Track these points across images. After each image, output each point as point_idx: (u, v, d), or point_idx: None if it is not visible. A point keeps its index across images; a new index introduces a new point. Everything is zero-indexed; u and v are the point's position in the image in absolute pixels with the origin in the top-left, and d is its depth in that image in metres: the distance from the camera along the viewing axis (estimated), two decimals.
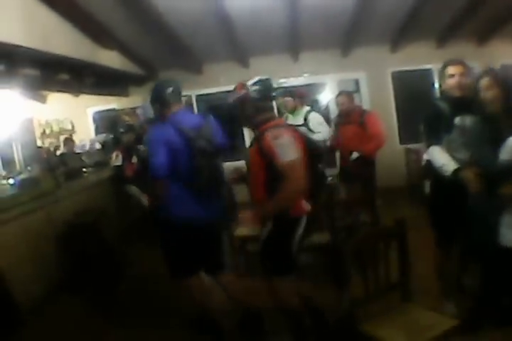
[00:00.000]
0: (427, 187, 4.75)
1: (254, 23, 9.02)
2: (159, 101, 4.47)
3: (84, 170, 9.42)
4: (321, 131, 7.73)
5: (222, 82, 10.71)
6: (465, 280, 4.78)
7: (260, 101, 4.06)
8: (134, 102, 10.50)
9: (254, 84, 4.08)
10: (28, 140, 11.51)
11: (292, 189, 3.82)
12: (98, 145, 11.14)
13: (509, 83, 3.90)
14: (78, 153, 10.80)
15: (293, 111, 8.13)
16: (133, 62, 10.64)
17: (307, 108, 8.10)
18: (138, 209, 7.96)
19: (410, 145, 10.26)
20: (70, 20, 7.83)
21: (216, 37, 9.69)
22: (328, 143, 8.08)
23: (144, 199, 7.65)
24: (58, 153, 11.11)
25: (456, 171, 4.00)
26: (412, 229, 3.88)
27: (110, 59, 9.48)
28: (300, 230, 4.06)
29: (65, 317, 5.73)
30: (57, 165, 9.43)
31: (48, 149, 11.52)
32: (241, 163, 4.35)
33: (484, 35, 10.70)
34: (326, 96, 11.71)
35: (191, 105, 11.70)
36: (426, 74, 11.15)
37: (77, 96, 11.08)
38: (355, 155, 7.42)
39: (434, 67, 10.09)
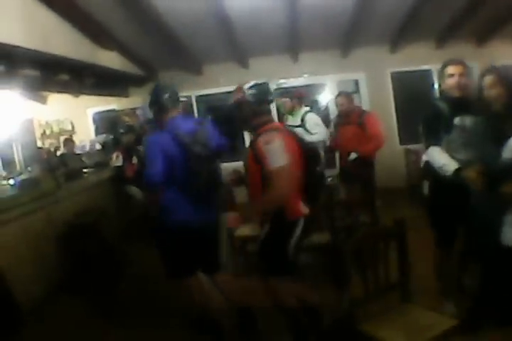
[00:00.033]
0: (426, 187, 4.72)
1: (254, 23, 9.03)
2: (157, 106, 4.50)
3: (84, 170, 9.42)
4: (317, 131, 7.76)
5: (221, 82, 10.73)
6: (465, 280, 4.77)
7: (256, 104, 4.08)
8: (134, 103, 10.51)
9: (251, 88, 4.11)
10: (29, 140, 11.53)
11: (276, 195, 3.87)
12: (98, 146, 11.15)
13: None
14: (78, 154, 10.80)
15: (291, 111, 8.17)
16: (133, 62, 10.66)
17: (305, 109, 8.12)
18: (138, 210, 7.97)
19: (410, 146, 10.25)
20: (69, 21, 7.86)
21: (216, 37, 9.70)
22: (325, 144, 8.11)
23: (144, 200, 7.66)
24: (58, 153, 11.12)
25: (457, 171, 3.97)
26: (412, 229, 3.89)
27: (110, 59, 9.49)
28: (297, 233, 4.07)
29: (65, 318, 5.73)
30: (57, 165, 9.44)
31: (48, 150, 11.54)
32: (240, 164, 4.37)
33: (483, 35, 10.70)
34: (326, 97, 11.72)
35: (191, 105, 11.72)
36: (425, 74, 11.15)
37: (77, 96, 11.08)
38: (353, 155, 7.43)
39: (434, 67, 10.07)
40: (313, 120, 7.95)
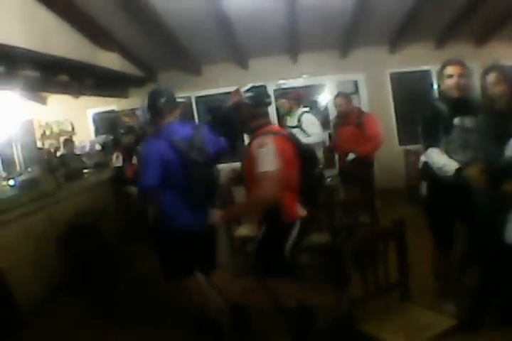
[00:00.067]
0: (424, 188, 4.70)
1: (253, 24, 9.04)
2: (153, 111, 4.50)
3: (84, 171, 9.43)
4: (313, 132, 7.77)
5: (221, 83, 10.75)
6: (465, 281, 4.76)
7: (253, 107, 4.11)
8: (134, 104, 10.50)
9: (248, 90, 4.15)
10: (29, 141, 11.53)
11: (259, 199, 3.93)
12: (98, 147, 11.16)
13: None
14: (78, 155, 10.82)
15: (289, 112, 8.21)
16: (132, 63, 10.66)
17: (302, 109, 8.13)
18: (137, 210, 7.98)
19: (409, 147, 10.25)
20: (69, 22, 7.87)
21: (215, 38, 9.71)
22: (324, 145, 8.14)
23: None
24: (58, 154, 11.13)
25: (458, 170, 3.95)
26: (411, 229, 3.91)
27: (110, 60, 9.50)
28: (293, 234, 4.09)
29: (65, 318, 5.75)
30: (57, 166, 9.46)
31: (48, 150, 11.55)
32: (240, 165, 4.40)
33: (483, 36, 10.70)
34: (325, 98, 11.73)
35: (190, 106, 11.74)
36: (424, 75, 11.14)
37: (77, 97, 11.12)
38: (351, 156, 7.47)
39: (433, 68, 10.09)
40: (309, 120, 7.97)
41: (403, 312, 3.67)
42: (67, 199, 7.34)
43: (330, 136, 8.84)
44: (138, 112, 9.01)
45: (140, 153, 5.30)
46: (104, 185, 9.03)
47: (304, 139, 6.65)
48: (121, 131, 9.21)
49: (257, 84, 4.26)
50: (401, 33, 10.19)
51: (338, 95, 7.99)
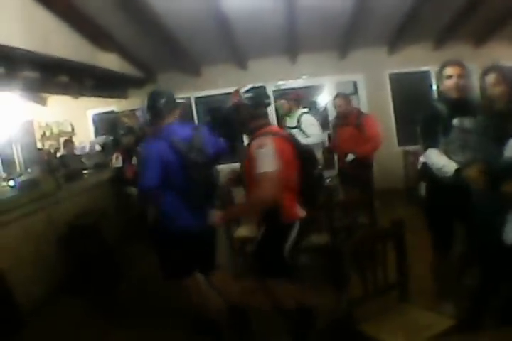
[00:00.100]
0: (422, 189, 4.70)
1: (253, 25, 9.05)
2: (153, 112, 4.51)
3: (84, 171, 9.43)
4: (312, 133, 7.78)
5: (220, 84, 10.77)
6: (465, 281, 4.76)
7: (253, 108, 4.12)
8: (134, 104, 10.49)
9: (247, 91, 4.16)
10: (29, 142, 11.55)
11: (258, 200, 3.95)
12: (98, 147, 11.17)
13: None
14: (78, 155, 10.83)
15: (288, 113, 8.23)
16: (132, 64, 10.67)
17: (301, 110, 8.15)
18: (138, 210, 7.99)
19: (408, 147, 10.24)
20: (69, 23, 7.87)
21: (214, 39, 9.72)
22: (324, 145, 8.16)
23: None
24: (58, 154, 11.15)
25: (457, 171, 3.94)
26: (410, 230, 3.92)
27: (109, 61, 9.51)
28: (292, 235, 4.09)
29: (65, 318, 5.76)
30: (57, 166, 9.47)
31: (48, 151, 11.57)
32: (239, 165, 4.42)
33: (482, 36, 10.70)
34: (325, 99, 11.74)
35: (190, 107, 11.76)
36: (423, 76, 11.17)
37: (76, 98, 11.12)
38: (350, 156, 7.49)
39: (432, 68, 10.11)
40: (308, 121, 7.99)
41: (402, 312, 3.68)
42: (67, 200, 7.35)
43: (329, 137, 8.85)
44: (138, 113, 9.01)
45: (139, 153, 5.30)
46: (104, 185, 9.05)
47: (303, 140, 6.68)
48: (121, 131, 9.23)
49: (256, 85, 4.27)
50: (400, 34, 10.20)
51: (337, 96, 8.00)
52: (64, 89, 8.89)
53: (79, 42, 8.39)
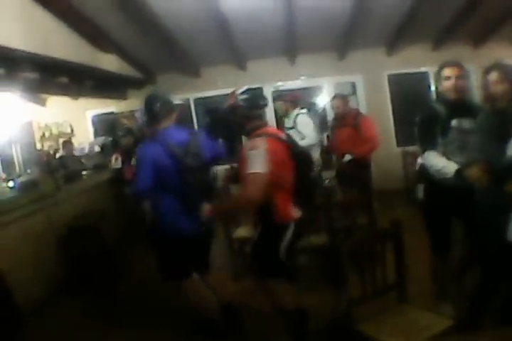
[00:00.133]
0: (420, 191, 4.66)
1: (252, 26, 9.07)
2: (149, 115, 4.53)
3: (83, 172, 9.44)
4: (307, 133, 7.80)
5: (219, 85, 10.77)
6: (464, 283, 4.74)
7: (248, 109, 4.13)
8: (133, 105, 10.52)
9: (243, 93, 4.18)
10: (28, 143, 11.55)
11: (244, 199, 4.01)
12: (97, 148, 11.17)
13: None
14: (77, 156, 10.83)
15: (285, 114, 8.24)
16: (131, 65, 10.68)
17: (297, 111, 8.15)
18: (137, 211, 8.00)
19: (407, 148, 10.23)
20: (69, 24, 7.89)
21: (213, 40, 9.74)
22: (319, 147, 8.18)
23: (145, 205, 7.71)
24: (58, 155, 11.15)
25: (458, 171, 3.92)
26: (409, 231, 3.93)
27: (109, 62, 9.52)
28: (287, 236, 4.10)
29: (65, 319, 5.77)
30: (56, 168, 9.47)
31: (48, 152, 11.56)
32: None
33: (480, 37, 10.73)
34: (323, 99, 11.75)
35: (189, 108, 11.77)
36: (422, 77, 11.21)
37: (76, 99, 11.12)
38: (347, 157, 7.51)
39: (430, 69, 10.14)
40: (303, 122, 8.00)
41: (401, 312, 3.68)
42: (66, 201, 7.35)
43: (328, 138, 8.87)
44: (137, 114, 9.05)
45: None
46: (104, 186, 9.05)
47: (298, 141, 6.69)
48: (120, 133, 9.24)
49: (253, 86, 4.30)
50: (399, 35, 10.22)
51: (335, 97, 8.04)
52: (63, 90, 8.90)
53: (78, 43, 8.41)
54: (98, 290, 6.38)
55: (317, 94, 12.03)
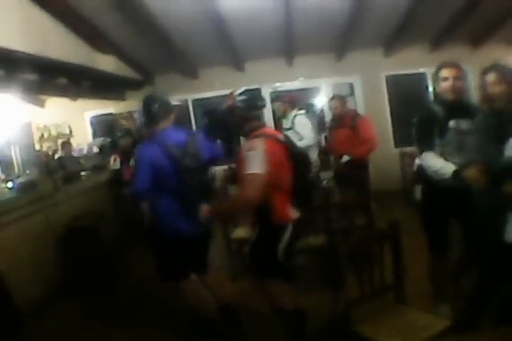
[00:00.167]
0: (418, 192, 4.64)
1: (250, 27, 9.08)
2: (147, 116, 4.55)
3: (82, 173, 9.44)
4: (305, 134, 7.83)
5: (217, 86, 10.78)
6: (462, 284, 4.75)
7: (246, 110, 4.15)
8: (131, 106, 10.54)
9: (241, 94, 4.20)
10: (27, 144, 11.55)
11: (242, 200, 4.04)
12: (96, 149, 11.18)
13: None
14: (76, 157, 10.84)
15: (284, 115, 8.27)
16: (129, 66, 10.69)
17: (295, 112, 8.18)
18: (136, 212, 8.00)
19: (405, 149, 10.25)
20: (67, 26, 7.92)
21: (211, 41, 9.75)
22: (317, 147, 8.20)
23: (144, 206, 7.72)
24: (56, 156, 11.15)
25: (456, 172, 3.91)
26: (406, 232, 3.93)
27: (107, 64, 9.53)
28: (285, 237, 4.12)
29: (63, 320, 5.78)
30: (55, 168, 9.48)
31: (46, 153, 11.57)
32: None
33: (478, 38, 10.75)
34: (321, 100, 11.77)
35: (187, 109, 11.79)
36: (420, 77, 11.22)
37: (75, 100, 11.13)
38: (345, 158, 7.54)
39: (428, 70, 10.14)
40: (301, 123, 8.03)
41: (399, 313, 3.70)
42: (65, 202, 7.36)
43: (326, 139, 8.89)
44: (135, 115, 9.05)
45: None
46: (102, 187, 9.05)
47: (296, 141, 6.71)
48: (119, 134, 9.25)
49: (251, 87, 4.32)
50: (396, 36, 10.23)
51: (333, 98, 8.07)
52: (62, 91, 8.92)
53: (77, 44, 8.44)
54: (96, 291, 6.39)
55: (315, 95, 12.05)
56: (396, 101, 11.59)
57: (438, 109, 4.25)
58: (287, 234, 4.11)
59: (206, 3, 7.93)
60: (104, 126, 12.09)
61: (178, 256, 4.48)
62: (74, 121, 12.36)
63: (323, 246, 5.60)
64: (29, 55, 6.52)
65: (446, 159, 4.12)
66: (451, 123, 4.14)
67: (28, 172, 9.21)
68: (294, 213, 4.16)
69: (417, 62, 10.94)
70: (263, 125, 4.30)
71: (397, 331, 3.42)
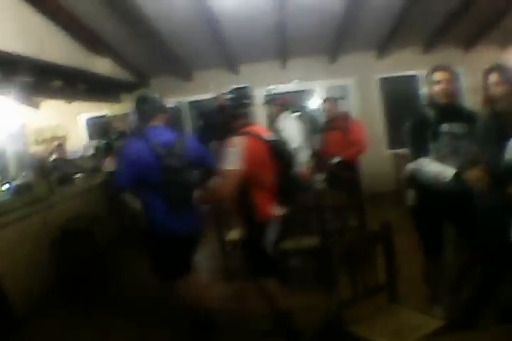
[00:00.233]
0: (410, 196, 4.57)
1: (244, 30, 9.13)
2: (138, 115, 4.61)
3: (77, 175, 9.45)
4: (292, 137, 7.86)
5: (212, 88, 10.81)
6: (462, 285, 4.76)
7: (234, 108, 4.24)
8: (126, 109, 10.56)
9: (230, 92, 4.27)
10: (22, 146, 11.54)
11: (218, 194, 4.19)
12: (90, 151, 11.18)
13: None
14: (71, 159, 10.82)
15: (275, 117, 8.31)
16: (124, 69, 10.73)
17: (286, 114, 8.21)
18: (130, 214, 8.01)
19: (398, 151, 10.30)
20: (63, 29, 7.94)
21: (206, 44, 9.78)
22: (310, 149, 8.24)
23: (137, 205, 7.72)
24: (51, 159, 11.14)
25: (457, 174, 3.84)
26: (400, 231, 3.98)
27: (103, 66, 9.57)
28: (270, 234, 4.23)
29: (58, 321, 5.79)
30: (50, 170, 9.47)
31: (41, 155, 11.55)
32: None
33: (471, 40, 10.82)
34: (315, 103, 11.80)
35: (181, 111, 11.82)
36: (413, 80, 11.30)
37: (69, 102, 11.13)
38: (336, 159, 7.58)
39: (421, 72, 10.19)
40: (290, 125, 8.06)
41: (392, 313, 3.72)
42: (60, 204, 7.37)
43: (319, 141, 8.94)
44: (130, 117, 9.09)
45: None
46: (97, 189, 9.06)
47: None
48: (113, 136, 9.27)
49: (239, 85, 4.36)
50: (389, 38, 10.29)
51: (325, 100, 8.14)
52: (57, 94, 8.92)
53: (72, 47, 8.45)
54: (91, 293, 6.39)
55: (309, 98, 12.09)
56: (389, 103, 11.66)
57: (430, 113, 4.23)
58: (271, 231, 4.20)
59: (201, 6, 7.96)
60: (99, 128, 12.08)
61: (172, 255, 4.51)
62: (69, 123, 12.34)
63: (317, 247, 5.63)
64: (25, 57, 6.54)
65: (441, 163, 4.09)
66: (444, 127, 4.12)
67: (23, 174, 9.20)
68: (276, 210, 4.23)
69: (410, 65, 11.00)
70: (250, 123, 4.35)
71: (391, 330, 3.44)
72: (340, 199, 6.43)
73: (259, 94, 10.06)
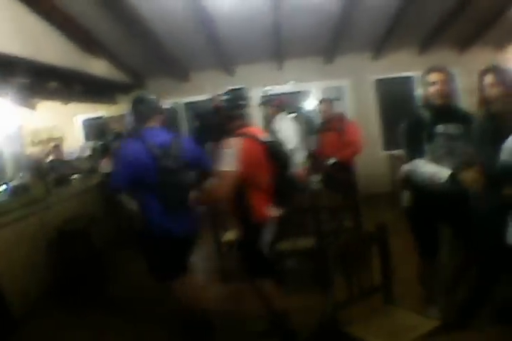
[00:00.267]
0: (405, 197, 4.57)
1: (240, 31, 9.14)
2: (135, 116, 4.61)
3: (73, 176, 9.44)
4: (288, 138, 7.87)
5: (208, 89, 10.81)
6: (458, 287, 4.76)
7: (230, 109, 4.25)
8: (122, 110, 10.56)
9: (225, 93, 4.28)
10: (18, 147, 11.53)
11: (213, 195, 4.22)
12: (87, 153, 11.17)
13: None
14: (67, 160, 10.82)
15: (271, 118, 8.32)
16: (121, 70, 10.73)
17: (282, 115, 8.23)
18: (127, 215, 8.01)
19: (393, 152, 10.30)
20: (60, 30, 7.94)
21: (202, 45, 9.78)
22: (306, 150, 8.26)
23: (133, 206, 7.72)
24: (48, 160, 11.14)
25: (452, 175, 3.83)
26: (395, 232, 3.99)
27: (99, 67, 9.57)
28: (266, 235, 4.24)
29: (56, 322, 5.80)
30: (46, 172, 9.47)
31: (38, 156, 11.55)
32: None
33: (466, 41, 10.84)
34: (311, 104, 11.82)
35: (177, 112, 11.83)
36: (408, 81, 11.32)
37: (66, 104, 11.13)
38: (331, 160, 7.60)
39: (417, 74, 10.21)
40: (286, 126, 8.08)
41: (387, 314, 3.73)
42: (56, 205, 7.37)
43: (315, 142, 8.95)
44: (126, 118, 9.09)
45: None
46: (93, 190, 9.06)
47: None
48: (110, 137, 9.27)
49: (235, 87, 4.38)
50: (385, 39, 10.31)
51: (321, 101, 8.16)
52: (54, 95, 8.92)
53: (68, 48, 8.44)
54: (87, 294, 6.41)
55: (305, 99, 12.11)
56: (385, 104, 11.70)
57: (426, 114, 4.22)
58: (267, 232, 4.21)
59: (197, 7, 7.97)
60: (95, 129, 12.07)
61: (168, 256, 4.52)
62: (65, 124, 12.34)
63: (313, 248, 5.64)
64: (21, 58, 6.54)
65: (436, 164, 4.09)
66: (440, 128, 4.12)
67: (20, 175, 9.19)
68: (273, 211, 4.24)
69: (406, 66, 11.03)
70: (246, 124, 4.37)
71: (386, 331, 3.45)
72: (335, 200, 6.44)
73: (255, 95, 10.07)
